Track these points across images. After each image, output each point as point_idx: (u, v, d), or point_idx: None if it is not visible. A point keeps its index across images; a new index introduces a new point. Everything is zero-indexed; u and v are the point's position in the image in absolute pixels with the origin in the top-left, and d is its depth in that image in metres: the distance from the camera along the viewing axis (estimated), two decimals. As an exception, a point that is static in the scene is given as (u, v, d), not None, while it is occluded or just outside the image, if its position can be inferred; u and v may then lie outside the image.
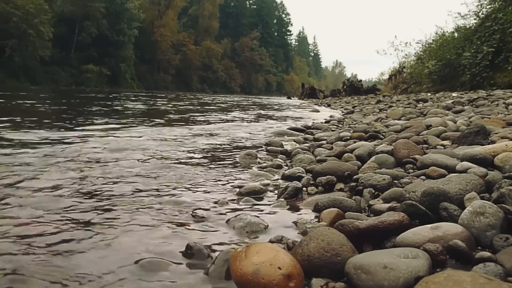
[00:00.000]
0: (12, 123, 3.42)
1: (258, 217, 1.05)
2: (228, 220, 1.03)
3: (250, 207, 1.18)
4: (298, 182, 1.37)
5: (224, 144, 2.56)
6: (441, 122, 2.24)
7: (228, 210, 1.14)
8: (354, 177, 1.34)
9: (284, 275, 0.64)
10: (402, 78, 16.05)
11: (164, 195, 1.27)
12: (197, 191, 1.35)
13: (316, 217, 1.08)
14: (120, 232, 0.93)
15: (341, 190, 1.32)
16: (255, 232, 0.96)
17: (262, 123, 4.54)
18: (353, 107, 6.70)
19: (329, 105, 10.60)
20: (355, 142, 2.01)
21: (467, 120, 2.45)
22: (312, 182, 1.41)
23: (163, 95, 17.50)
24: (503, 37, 9.81)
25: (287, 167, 1.77)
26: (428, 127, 2.15)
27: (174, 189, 1.36)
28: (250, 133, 3.31)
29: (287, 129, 3.35)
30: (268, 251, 0.69)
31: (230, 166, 1.81)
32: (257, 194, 1.30)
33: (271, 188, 1.40)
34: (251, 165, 1.83)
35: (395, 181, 1.23)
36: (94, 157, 1.90)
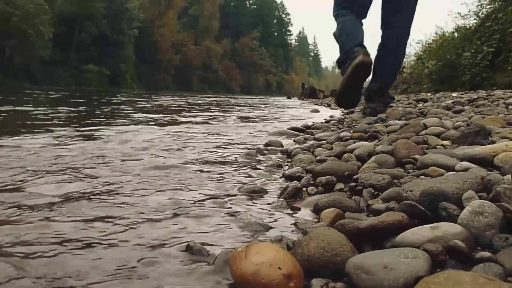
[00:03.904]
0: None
1: (257, 217, 1.05)
2: (228, 220, 1.03)
3: (249, 207, 1.18)
4: (298, 182, 1.37)
5: (223, 144, 2.56)
6: (440, 122, 2.24)
7: (228, 210, 1.14)
8: (354, 177, 1.34)
9: (284, 275, 0.64)
10: (402, 78, 16.04)
11: (163, 195, 1.27)
12: (196, 191, 1.34)
13: (316, 217, 1.08)
14: (118, 232, 0.93)
15: (341, 190, 1.32)
16: (255, 232, 0.96)
17: (262, 123, 4.54)
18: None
19: (329, 105, 10.59)
20: (355, 142, 2.01)
21: (467, 120, 2.45)
22: (312, 182, 1.41)
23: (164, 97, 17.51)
24: (503, 37, 9.81)
25: (287, 167, 1.77)
26: (427, 126, 2.15)
27: (172, 188, 1.36)
28: (250, 133, 3.31)
29: (287, 129, 3.34)
30: (268, 251, 0.69)
31: (229, 166, 1.81)
32: (256, 194, 1.31)
33: (271, 188, 1.40)
34: (251, 164, 1.83)
35: (395, 181, 1.23)
36: (91, 156, 1.90)
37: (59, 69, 37.64)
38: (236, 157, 2.03)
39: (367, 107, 3.67)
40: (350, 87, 3.15)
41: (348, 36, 3.19)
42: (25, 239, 0.87)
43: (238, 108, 9.09)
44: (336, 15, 3.39)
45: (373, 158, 1.54)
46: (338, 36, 3.30)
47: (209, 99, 16.62)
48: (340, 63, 3.26)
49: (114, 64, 42.67)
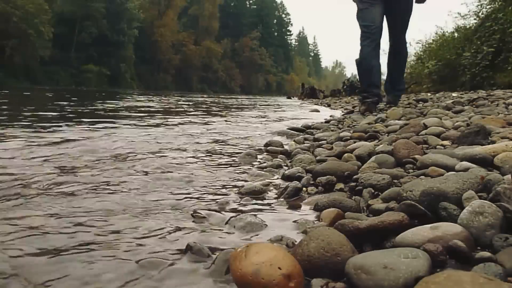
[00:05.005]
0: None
1: (258, 217, 1.05)
2: (228, 220, 1.03)
3: (250, 207, 1.18)
4: (298, 182, 1.37)
5: (223, 144, 2.56)
6: (440, 122, 2.24)
7: (228, 210, 1.14)
8: (354, 177, 1.34)
9: (284, 275, 0.64)
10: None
11: (163, 195, 1.27)
12: (197, 191, 1.35)
13: (316, 217, 1.08)
14: (117, 232, 0.93)
15: (341, 190, 1.32)
16: (255, 232, 0.96)
17: (261, 123, 4.54)
18: (353, 107, 6.69)
19: (329, 105, 10.59)
20: (355, 142, 2.01)
21: (467, 120, 2.45)
22: (312, 182, 1.41)
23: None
24: (503, 37, 9.81)
25: (287, 167, 1.77)
26: (427, 126, 2.15)
27: (173, 189, 1.36)
28: (250, 133, 3.31)
29: (287, 129, 3.34)
30: (268, 251, 0.69)
31: (229, 166, 1.81)
32: (257, 194, 1.31)
33: (271, 188, 1.40)
34: (251, 165, 1.83)
35: (395, 181, 1.23)
36: (88, 156, 1.90)
37: (59, 69, 37.67)
38: (236, 157, 2.03)
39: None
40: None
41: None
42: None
43: (238, 108, 9.09)
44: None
45: (373, 158, 1.54)
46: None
47: (209, 99, 16.62)
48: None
49: (114, 64, 42.71)
